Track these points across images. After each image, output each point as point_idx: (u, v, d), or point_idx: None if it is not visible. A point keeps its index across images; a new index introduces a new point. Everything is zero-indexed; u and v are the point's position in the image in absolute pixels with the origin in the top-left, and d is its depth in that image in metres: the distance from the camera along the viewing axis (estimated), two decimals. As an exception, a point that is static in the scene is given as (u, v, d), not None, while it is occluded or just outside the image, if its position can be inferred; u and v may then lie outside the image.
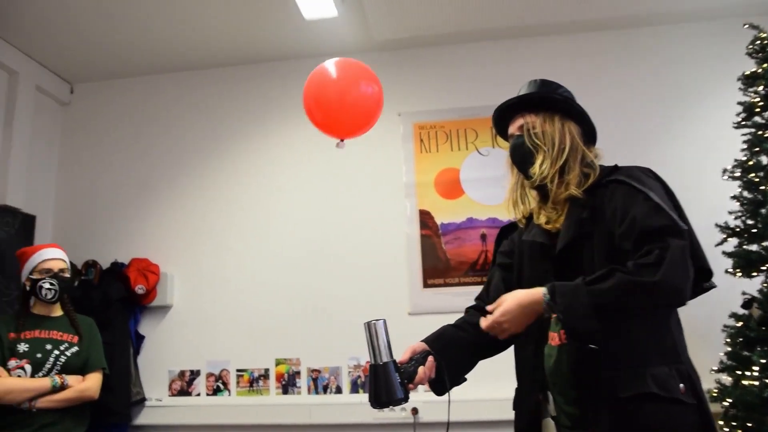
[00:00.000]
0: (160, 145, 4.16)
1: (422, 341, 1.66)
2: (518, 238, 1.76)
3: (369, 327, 1.48)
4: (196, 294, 3.86)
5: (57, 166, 4.25)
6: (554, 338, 1.53)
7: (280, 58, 4.11)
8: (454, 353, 1.65)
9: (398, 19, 3.61)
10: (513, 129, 1.73)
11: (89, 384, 2.60)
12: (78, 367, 2.60)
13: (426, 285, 3.63)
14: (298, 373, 3.64)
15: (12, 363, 2.47)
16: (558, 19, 3.69)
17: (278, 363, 3.66)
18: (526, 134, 1.67)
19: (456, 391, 1.62)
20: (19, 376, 2.46)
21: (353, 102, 2.27)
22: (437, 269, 3.64)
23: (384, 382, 1.46)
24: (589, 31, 3.83)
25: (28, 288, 2.64)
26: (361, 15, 3.59)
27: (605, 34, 3.83)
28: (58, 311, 2.71)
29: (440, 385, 1.62)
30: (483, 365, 1.75)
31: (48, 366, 2.52)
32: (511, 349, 1.72)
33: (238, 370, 3.70)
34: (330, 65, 2.35)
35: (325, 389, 3.59)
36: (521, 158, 1.69)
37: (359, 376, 3.57)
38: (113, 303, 3.60)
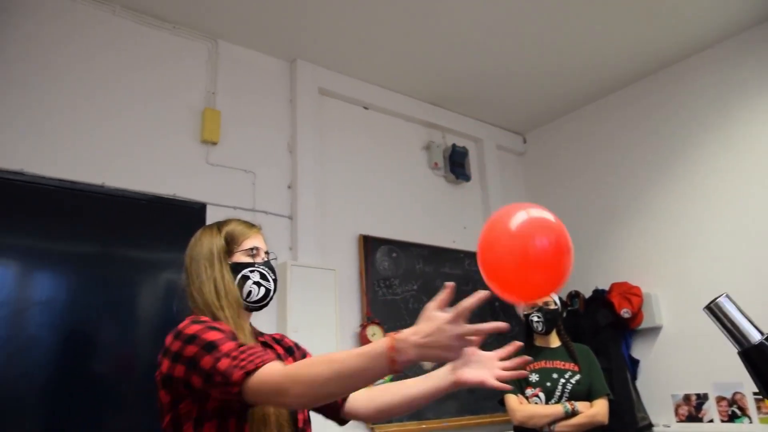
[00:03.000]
0: (616, 168, 4.19)
1: None
2: None
3: (712, 311, 1.11)
4: (687, 311, 3.65)
5: (525, 209, 4.73)
6: None
7: (683, 57, 3.81)
8: None
9: None
10: None
11: (598, 409, 2.70)
12: (583, 393, 2.73)
13: None
14: (836, 395, 3.01)
15: (528, 391, 2.77)
16: None
17: (805, 384, 3.11)
18: None
19: None
20: (536, 403, 2.74)
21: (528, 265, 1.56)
22: None
23: None
24: None
25: (524, 323, 2.96)
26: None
27: None
28: (556, 342, 2.92)
29: None
30: None
31: (557, 393, 2.73)
32: None
33: (754, 394, 3.29)
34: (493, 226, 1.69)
35: None
36: None
37: None
38: (602, 329, 3.71)
